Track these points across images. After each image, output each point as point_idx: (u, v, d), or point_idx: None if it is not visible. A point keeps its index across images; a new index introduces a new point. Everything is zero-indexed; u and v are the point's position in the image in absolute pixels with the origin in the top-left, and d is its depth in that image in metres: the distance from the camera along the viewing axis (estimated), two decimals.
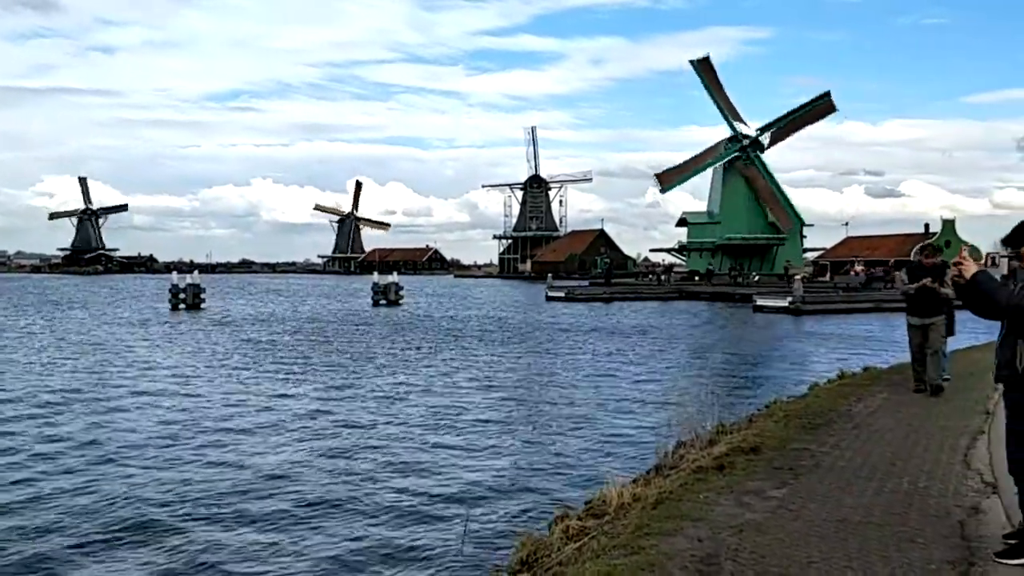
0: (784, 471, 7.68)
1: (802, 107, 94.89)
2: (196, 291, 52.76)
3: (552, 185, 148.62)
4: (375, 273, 67.67)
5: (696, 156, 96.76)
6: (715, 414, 12.52)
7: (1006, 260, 5.48)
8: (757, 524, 6.09)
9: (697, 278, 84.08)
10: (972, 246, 76.54)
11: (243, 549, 8.70)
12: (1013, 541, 5.30)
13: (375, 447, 13.65)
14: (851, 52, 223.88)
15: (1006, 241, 5.63)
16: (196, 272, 58.68)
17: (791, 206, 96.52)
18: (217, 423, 15.68)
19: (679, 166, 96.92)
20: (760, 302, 51.83)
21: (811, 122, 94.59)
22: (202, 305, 52.59)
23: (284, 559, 8.45)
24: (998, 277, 5.38)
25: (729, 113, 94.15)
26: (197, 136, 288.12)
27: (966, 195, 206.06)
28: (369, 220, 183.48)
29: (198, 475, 11.75)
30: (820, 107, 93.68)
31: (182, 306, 51.65)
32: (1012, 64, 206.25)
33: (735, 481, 7.38)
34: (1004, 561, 5.16)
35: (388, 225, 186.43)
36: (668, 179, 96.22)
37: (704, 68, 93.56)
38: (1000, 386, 5.42)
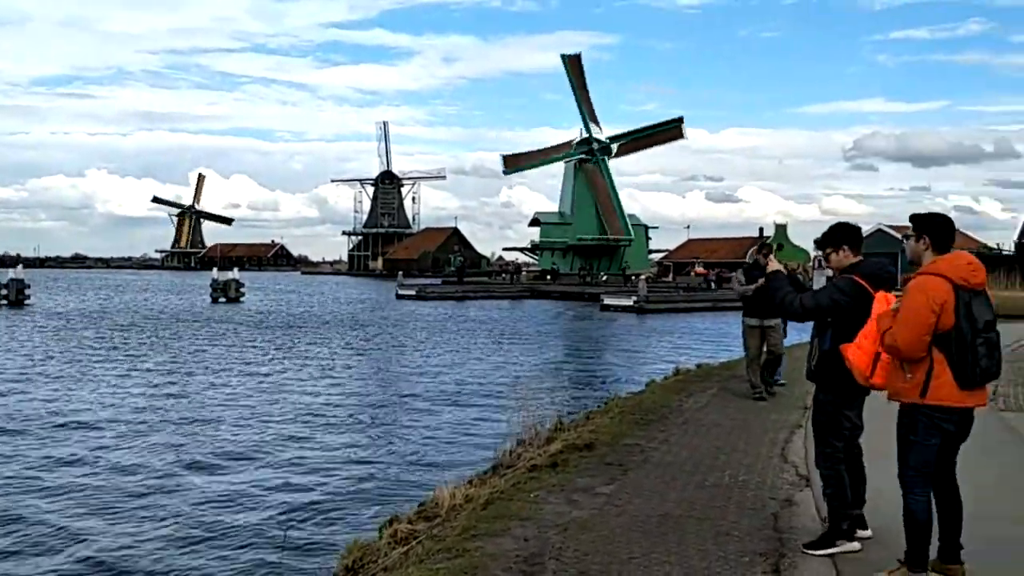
0: (614, 467, 7.79)
1: (655, 126, 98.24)
2: (20, 287, 49.57)
3: (405, 181, 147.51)
4: (215, 269, 65.35)
5: (545, 148, 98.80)
6: (556, 412, 12.66)
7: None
8: (583, 521, 6.12)
9: (549, 277, 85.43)
10: (801, 249, 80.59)
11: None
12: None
13: (192, 450, 13.08)
14: (693, 61, 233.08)
15: (818, 243, 5.89)
16: (21, 267, 55.03)
17: (623, 216, 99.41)
18: (33, 424, 14.66)
19: (527, 153, 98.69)
20: (607, 301, 53.11)
21: (660, 143, 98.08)
22: (26, 302, 49.39)
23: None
24: (823, 279, 5.64)
25: (588, 115, 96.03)
26: (26, 122, 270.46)
27: (797, 201, 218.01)
28: (210, 214, 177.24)
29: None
30: (671, 131, 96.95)
31: (3, 303, 48.34)
32: (840, 78, 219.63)
33: (567, 479, 7.42)
34: (811, 552, 5.36)
35: (231, 220, 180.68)
36: (514, 163, 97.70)
37: (574, 65, 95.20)
38: None
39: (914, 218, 4.88)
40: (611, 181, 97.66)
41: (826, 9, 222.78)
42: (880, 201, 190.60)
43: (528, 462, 8.47)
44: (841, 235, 5.51)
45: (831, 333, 5.43)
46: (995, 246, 62.11)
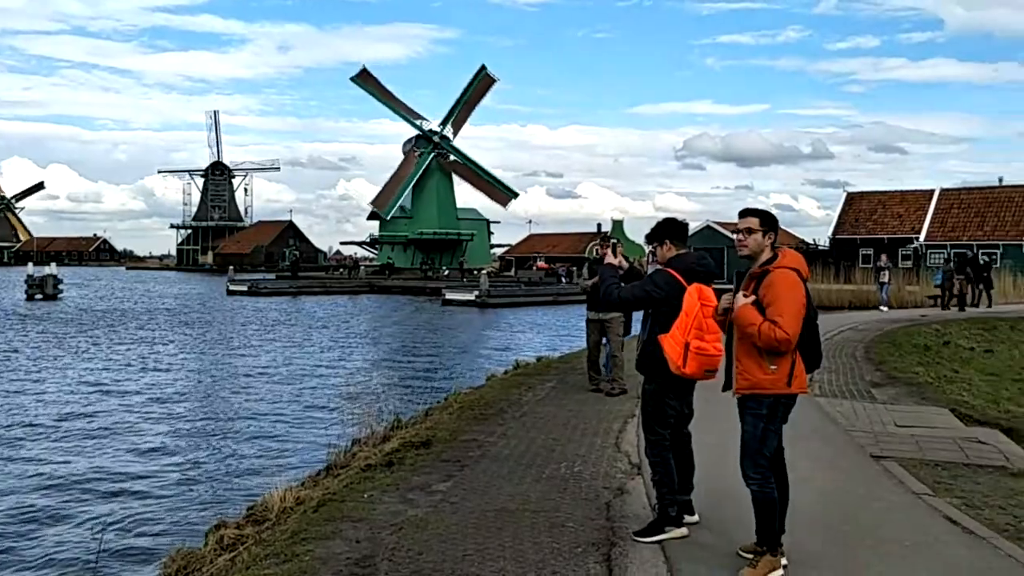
0: (451, 463, 7.72)
1: (467, 87, 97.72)
2: None
3: (236, 173, 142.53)
4: (30, 264, 61.17)
5: (396, 174, 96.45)
6: (393, 409, 12.49)
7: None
8: (418, 520, 6.02)
9: (388, 272, 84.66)
10: (636, 244, 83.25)
11: None
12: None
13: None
14: (532, 59, 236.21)
15: (647, 238, 6.02)
16: None
17: (499, 181, 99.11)
18: None
19: (385, 188, 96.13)
20: (449, 296, 53.16)
21: (480, 97, 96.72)
22: None
23: None
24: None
25: (408, 115, 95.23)
26: None
27: (633, 198, 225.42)
28: (19, 195, 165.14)
29: None
30: (482, 81, 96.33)
31: None
32: (671, 80, 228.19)
33: (402, 477, 7.30)
34: (641, 539, 5.47)
35: (41, 185, 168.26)
36: (382, 203, 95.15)
37: (366, 80, 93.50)
38: None
39: (758, 212, 4.98)
40: (469, 160, 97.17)
41: (657, 11, 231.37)
42: (708, 199, 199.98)
43: (363, 461, 8.28)
44: (664, 231, 5.73)
45: (650, 324, 5.62)
46: (812, 241, 66.26)
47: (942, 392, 12.81)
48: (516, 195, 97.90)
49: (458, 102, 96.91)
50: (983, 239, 48.76)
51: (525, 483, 6.96)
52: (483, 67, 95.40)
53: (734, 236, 5.00)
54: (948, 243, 49.42)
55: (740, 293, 4.89)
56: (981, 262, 33.09)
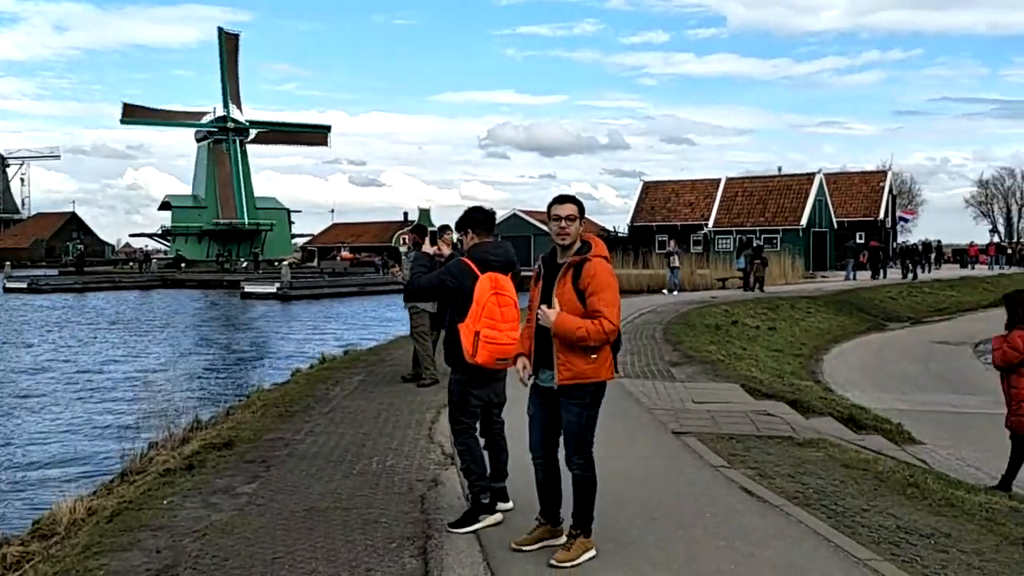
0: (256, 464, 7.40)
1: (302, 126, 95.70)
2: None
3: (11, 161, 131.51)
4: None
5: (174, 111, 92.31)
6: (192, 409, 11.88)
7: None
8: (223, 525, 5.71)
9: (184, 265, 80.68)
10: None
11: None
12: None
13: None
14: (329, 44, 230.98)
15: (456, 226, 6.00)
16: None
17: (307, 125, 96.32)
18: None
19: (153, 110, 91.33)
20: (248, 288, 51.33)
21: (235, 61, 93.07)
22: None
23: None
24: None
25: (232, 95, 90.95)
26: None
27: (439, 186, 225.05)
28: None
29: None
30: (228, 43, 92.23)
31: None
32: (473, 68, 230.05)
33: (204, 480, 6.92)
34: (456, 531, 5.43)
35: None
36: (135, 113, 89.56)
37: (133, 115, 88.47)
38: None
39: (575, 199, 4.94)
40: (240, 168, 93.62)
41: (459, 0, 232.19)
42: (513, 187, 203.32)
43: (161, 466, 7.79)
44: (466, 220, 5.76)
45: (450, 314, 5.61)
46: (612, 229, 68.86)
47: (733, 369, 13.61)
48: (329, 128, 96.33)
49: (280, 125, 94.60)
50: (765, 224, 52.29)
51: (335, 480, 6.76)
52: (220, 29, 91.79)
53: (553, 224, 4.88)
54: (734, 229, 52.66)
55: (543, 307, 4.83)
56: (754, 246, 35.13)
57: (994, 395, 15.47)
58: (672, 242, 33.57)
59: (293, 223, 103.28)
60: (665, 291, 30.74)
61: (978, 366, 19.72)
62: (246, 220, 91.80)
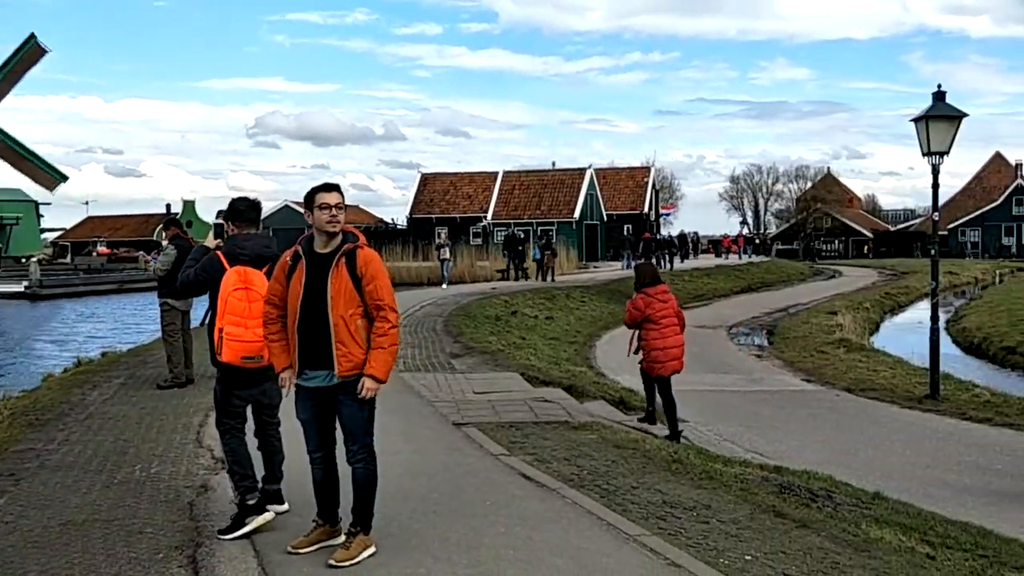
0: (3, 478, 6.73)
1: (11, 57, 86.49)
2: None
3: None
4: None
5: None
6: None
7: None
8: None
9: None
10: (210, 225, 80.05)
11: None
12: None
13: None
14: (81, 23, 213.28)
15: (225, 217, 5.70)
16: None
17: (44, 162, 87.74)
18: None
19: None
20: None
21: (27, 69, 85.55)
22: None
23: None
24: None
25: None
26: None
27: (204, 177, 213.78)
28: None
29: None
30: (31, 51, 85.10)
31: None
32: (240, 55, 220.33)
33: None
34: (226, 536, 5.16)
35: None
36: None
37: None
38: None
39: (339, 188, 4.85)
40: (8, 136, 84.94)
41: None
42: (285, 178, 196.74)
43: None
44: (228, 212, 5.58)
45: (209, 311, 5.45)
46: (391, 221, 68.55)
47: (513, 358, 13.92)
48: (65, 178, 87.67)
49: None
50: (541, 217, 53.93)
51: (95, 491, 6.26)
52: (32, 35, 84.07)
53: (322, 213, 4.72)
54: (512, 221, 53.90)
55: (368, 381, 4.67)
56: (518, 236, 35.78)
57: (747, 374, 16.82)
58: (442, 234, 33.19)
59: (42, 216, 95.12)
60: (443, 285, 30.64)
61: (732, 347, 21.33)
62: None
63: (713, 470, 7.02)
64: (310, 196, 4.80)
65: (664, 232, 59.18)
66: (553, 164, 61.47)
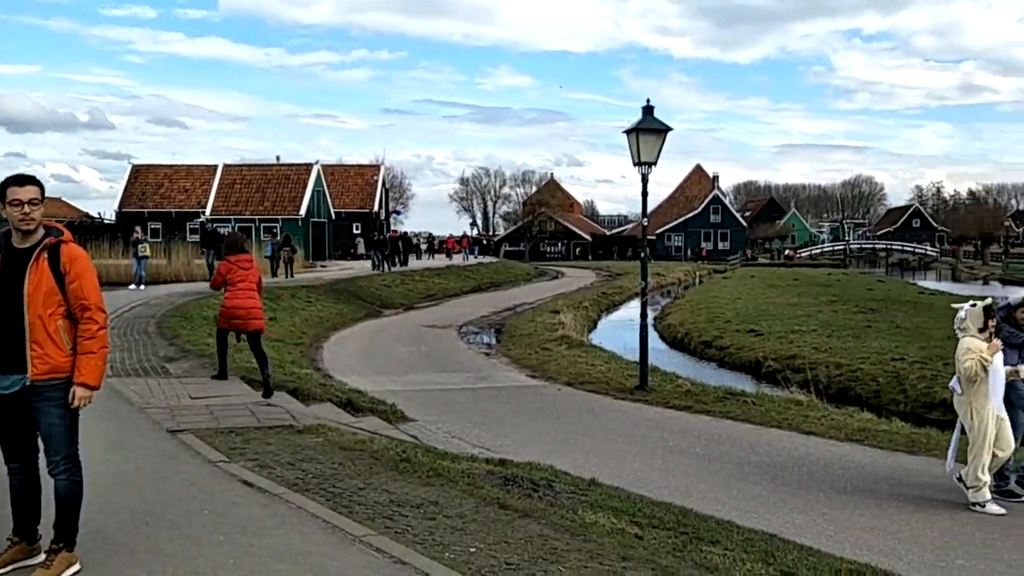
0: None
1: None
2: None
3: None
4: None
5: None
6: None
7: None
8: None
9: None
10: None
11: None
12: None
13: None
14: None
15: None
16: None
17: None
18: None
19: None
20: None
21: None
22: None
23: None
24: None
25: None
26: None
27: None
28: None
29: None
30: None
31: None
32: None
33: None
34: None
35: None
36: None
37: None
38: None
39: (36, 180, 4.40)
40: None
41: None
42: None
43: None
44: None
45: None
46: (97, 215, 63.52)
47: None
48: None
49: None
50: (264, 213, 52.12)
51: None
52: None
53: (14, 210, 4.27)
54: (232, 217, 51.71)
55: (77, 390, 4.32)
56: (217, 232, 33.36)
57: (476, 371, 17.24)
58: (138, 229, 29.97)
59: None
60: (140, 286, 25.89)
61: (462, 346, 21.78)
62: None
63: (440, 467, 7.09)
64: (1, 190, 4.32)
65: (397, 231, 59.26)
66: (278, 158, 59.62)
